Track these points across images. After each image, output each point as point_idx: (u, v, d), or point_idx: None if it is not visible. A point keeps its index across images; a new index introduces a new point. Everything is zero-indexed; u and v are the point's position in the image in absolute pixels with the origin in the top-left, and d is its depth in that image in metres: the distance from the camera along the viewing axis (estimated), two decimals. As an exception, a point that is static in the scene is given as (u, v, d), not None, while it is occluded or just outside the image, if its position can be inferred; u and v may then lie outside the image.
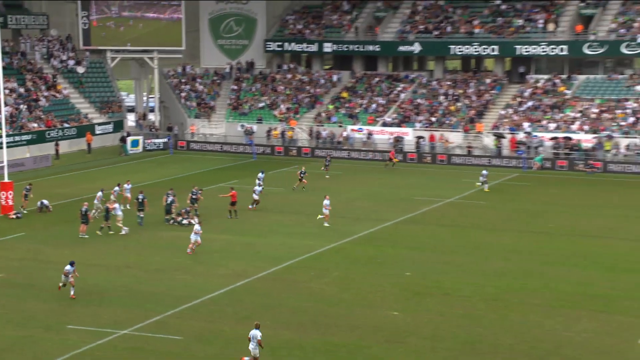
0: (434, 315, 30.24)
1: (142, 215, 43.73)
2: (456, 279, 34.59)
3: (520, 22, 74.98)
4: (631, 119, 65.38)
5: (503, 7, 77.44)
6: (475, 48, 74.53)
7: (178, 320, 29.77)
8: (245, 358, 25.16)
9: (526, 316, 30.01)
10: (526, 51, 72.67)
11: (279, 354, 26.65)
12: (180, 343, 27.57)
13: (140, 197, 43.95)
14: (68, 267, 31.75)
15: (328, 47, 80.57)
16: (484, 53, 75.13)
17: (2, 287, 33.26)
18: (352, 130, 71.95)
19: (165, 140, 73.67)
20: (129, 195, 48.01)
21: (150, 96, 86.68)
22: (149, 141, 73.40)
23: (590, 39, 70.57)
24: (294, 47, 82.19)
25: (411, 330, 28.67)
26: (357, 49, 79.79)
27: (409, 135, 69.93)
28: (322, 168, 59.84)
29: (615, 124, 65.37)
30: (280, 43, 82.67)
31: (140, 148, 72.14)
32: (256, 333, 25.06)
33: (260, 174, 52.18)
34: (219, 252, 39.07)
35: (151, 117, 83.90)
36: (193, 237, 38.10)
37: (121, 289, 33.34)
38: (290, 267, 36.78)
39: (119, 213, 42.51)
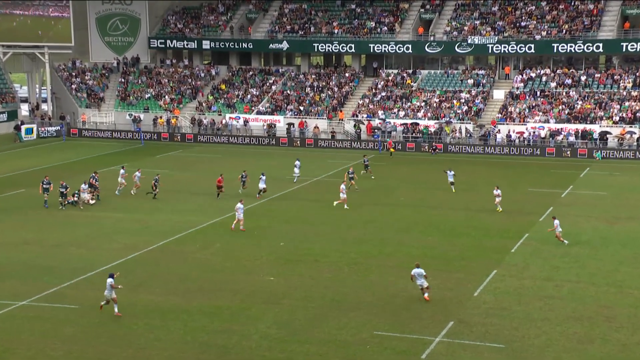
0: (305, 279, 30.50)
1: (46, 198, 41.63)
2: (324, 247, 35.00)
3: (372, 24, 76.32)
4: (465, 107, 68.03)
5: (357, 10, 78.54)
6: (335, 46, 75.26)
7: (74, 290, 28.70)
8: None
9: (383, 277, 30.76)
10: (378, 49, 74.02)
11: (167, 317, 26.17)
12: (76, 311, 26.58)
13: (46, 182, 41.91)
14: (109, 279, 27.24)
15: (207, 44, 79.21)
16: (343, 50, 75.95)
17: None
18: (230, 118, 71.27)
19: (58, 128, 70.53)
20: (138, 182, 44.89)
21: (43, 88, 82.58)
22: (43, 129, 70.04)
23: (430, 39, 72.75)
24: (176, 44, 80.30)
25: (285, 293, 28.80)
26: (232, 46, 78.88)
27: (281, 122, 69.97)
28: (362, 172, 51.77)
29: (453, 111, 67.84)
30: (162, 40, 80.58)
31: (34, 135, 68.75)
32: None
33: (297, 162, 49.99)
34: (111, 228, 37.86)
35: (44, 107, 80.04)
36: (237, 214, 37.00)
37: (19, 264, 31.77)
38: (178, 240, 36.13)
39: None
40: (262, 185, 44.31)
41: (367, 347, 23.90)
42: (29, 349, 23.29)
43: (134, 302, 27.52)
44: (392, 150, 62.50)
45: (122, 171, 45.79)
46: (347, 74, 75.92)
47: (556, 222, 34.92)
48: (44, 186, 41.81)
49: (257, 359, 23.05)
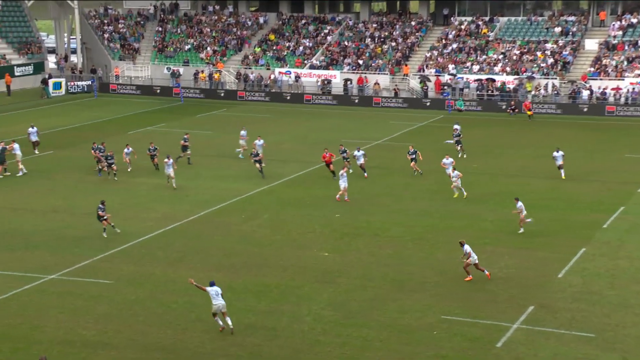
0: (363, 256, 30.60)
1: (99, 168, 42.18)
2: (384, 219, 34.98)
3: (445, -36, 75.06)
4: (550, 60, 66.58)
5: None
6: (401, -10, 74.41)
7: (108, 264, 29.41)
8: None
9: (451, 254, 30.60)
10: (450, -7, 72.99)
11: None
12: (110, 286, 27.26)
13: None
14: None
15: (254, -12, 79.27)
16: (410, -5, 75.13)
17: None
18: (280, 73, 71.36)
19: (89, 82, 71.77)
20: (127, 158, 43.66)
21: (72, 37, 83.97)
22: (72, 83, 71.38)
23: (511, -20, 71.35)
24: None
25: (341, 270, 28.97)
26: (283, -9, 78.73)
27: (337, 78, 69.76)
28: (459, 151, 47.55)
29: (536, 65, 66.50)
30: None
31: (63, 91, 70.14)
32: None
33: (242, 131, 47.89)
34: (148, 196, 38.55)
35: (73, 58, 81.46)
36: (342, 184, 37.27)
37: (48, 233, 32.67)
38: (221, 210, 36.60)
39: (18, 153, 42.24)
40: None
41: (434, 333, 23.93)
42: (58, 327, 24.03)
43: (174, 278, 28.09)
44: (529, 113, 60.23)
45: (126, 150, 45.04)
46: (413, 23, 75.03)
47: (519, 204, 33.07)
48: (150, 153, 42.48)
49: (310, 343, 23.32)
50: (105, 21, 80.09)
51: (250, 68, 73.03)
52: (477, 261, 27.90)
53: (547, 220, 34.86)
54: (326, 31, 75.97)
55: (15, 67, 71.32)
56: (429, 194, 39.15)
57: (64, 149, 48.37)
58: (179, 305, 25.80)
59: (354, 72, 69.94)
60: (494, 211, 36.41)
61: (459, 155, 46.02)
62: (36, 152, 45.91)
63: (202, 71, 72.99)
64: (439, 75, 67.41)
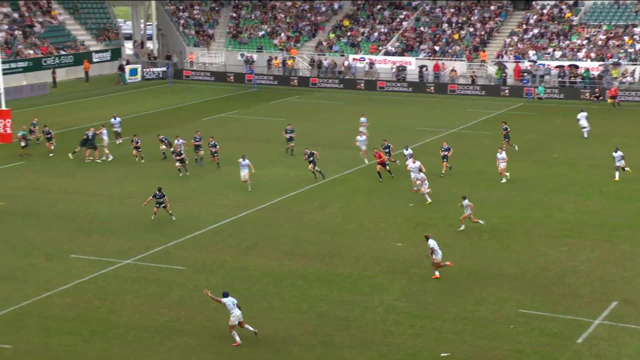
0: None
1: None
2: (461, 210, 34.56)
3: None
4: (639, 46, 64.59)
5: None
6: (480, -26, 73.23)
7: (181, 250, 29.90)
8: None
9: (530, 246, 30.13)
10: (532, -24, 71.46)
11: (282, 284, 26.83)
12: (183, 273, 27.72)
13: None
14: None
15: (329, -27, 79.14)
16: (489, -21, 73.81)
17: (2, 216, 33.27)
18: (354, 59, 71.17)
19: (164, 69, 72.96)
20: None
21: (148, 23, 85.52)
22: (148, 70, 72.71)
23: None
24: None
25: (415, 261, 28.80)
26: (359, -25, 78.38)
27: (412, 64, 69.21)
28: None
29: (623, 51, 64.61)
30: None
31: (139, 77, 71.53)
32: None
33: (362, 118, 47.83)
34: (221, 183, 39.00)
35: (149, 45, 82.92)
36: (415, 175, 36.65)
37: (123, 219, 33.40)
38: (293, 197, 36.79)
39: (105, 138, 43.32)
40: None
41: (511, 327, 23.59)
42: (134, 312, 24.57)
43: (245, 266, 28.40)
44: (610, 101, 58.60)
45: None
46: (492, 7, 73.78)
47: (465, 202, 31.99)
48: (195, 143, 41.74)
49: (382, 334, 23.28)
50: (181, 7, 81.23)
51: (323, 54, 73.04)
52: (440, 258, 27.21)
53: (631, 212, 33.94)
54: (402, 16, 75.39)
55: (93, 53, 73.05)
56: (506, 184, 38.52)
57: (139, 135, 49.27)
58: (251, 293, 26.06)
59: (429, 59, 69.28)
60: (575, 202, 35.65)
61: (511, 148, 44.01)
62: (119, 141, 46.47)
63: (276, 58, 73.37)
64: (519, 62, 66.17)
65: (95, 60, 72.71)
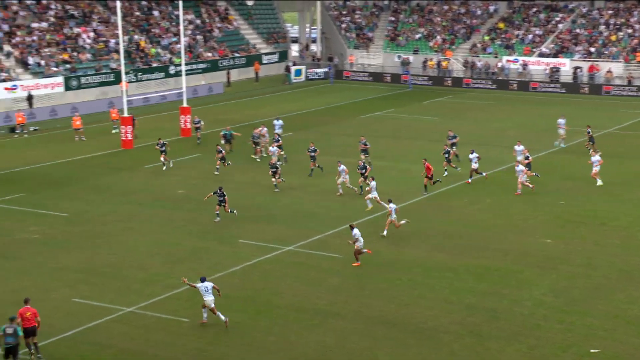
0: (588, 244, 29.17)
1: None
2: (612, 208, 33.10)
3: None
4: None
5: None
6: (639, -25, 69.47)
7: (338, 239, 30.29)
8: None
9: (684, 249, 28.39)
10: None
11: (431, 275, 26.68)
12: (339, 260, 28.11)
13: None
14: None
15: (485, -22, 77.59)
16: (650, -20, 69.92)
17: (183, 202, 34.93)
18: (508, 60, 69.45)
19: (326, 70, 74.08)
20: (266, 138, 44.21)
21: (313, 27, 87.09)
22: (311, 71, 74.07)
23: None
24: (451, -22, 79.72)
25: (564, 258, 27.83)
26: (514, -21, 76.31)
27: (566, 65, 66.68)
28: None
29: None
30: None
31: (303, 77, 73.02)
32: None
33: (560, 120, 45.30)
34: (384, 177, 38.99)
35: (313, 47, 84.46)
36: (521, 176, 35.78)
37: (285, 208, 34.24)
38: (445, 193, 36.43)
39: (266, 137, 43.51)
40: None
41: (662, 328, 22.36)
42: (294, 295, 25.19)
43: (397, 257, 28.44)
44: None
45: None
46: (650, 8, 69.87)
47: (392, 206, 30.18)
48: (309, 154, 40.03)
49: (530, 327, 22.68)
50: (344, 12, 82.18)
51: (477, 56, 71.73)
52: (361, 246, 26.81)
53: None
54: (557, 19, 72.76)
55: (263, 55, 75.28)
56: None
57: (302, 131, 50.36)
58: (402, 282, 26.08)
59: (584, 60, 66.48)
60: None
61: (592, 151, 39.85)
62: (279, 142, 45.99)
63: (431, 59, 72.81)
64: (677, 63, 62.30)
65: (264, 61, 74.89)
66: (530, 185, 35.54)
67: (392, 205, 30.40)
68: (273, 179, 36.52)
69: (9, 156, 43.83)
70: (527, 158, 37.81)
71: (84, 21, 65.21)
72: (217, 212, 32.13)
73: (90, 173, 40.04)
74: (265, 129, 44.36)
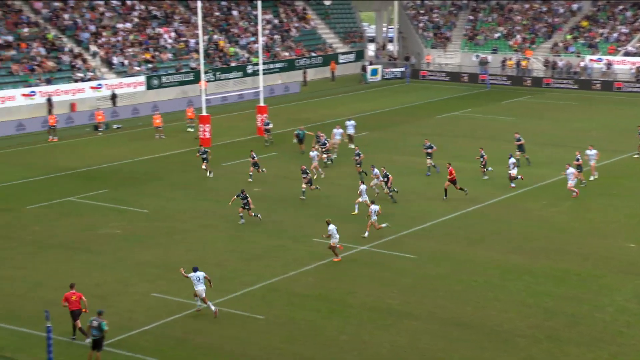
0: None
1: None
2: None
3: None
4: None
5: None
6: None
7: (412, 239, 30.16)
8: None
9: None
10: None
11: (508, 277, 26.28)
12: (413, 261, 27.97)
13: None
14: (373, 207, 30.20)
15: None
16: None
17: (259, 201, 35.28)
18: (591, 60, 67.67)
19: (403, 69, 73.72)
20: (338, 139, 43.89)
21: (390, 27, 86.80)
22: (388, 70, 73.83)
23: None
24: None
25: (648, 263, 27.02)
26: (599, -24, 74.34)
27: (652, 64, 64.60)
28: None
29: None
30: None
31: (379, 77, 72.85)
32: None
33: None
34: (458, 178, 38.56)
35: (390, 47, 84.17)
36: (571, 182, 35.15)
37: (360, 207, 34.17)
38: (522, 195, 35.81)
39: (337, 138, 42.93)
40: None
41: None
42: (368, 294, 25.18)
43: (472, 258, 28.11)
44: None
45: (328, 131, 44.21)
46: None
47: (373, 207, 29.74)
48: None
49: (612, 333, 22.09)
50: (421, 11, 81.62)
51: (559, 55, 70.14)
52: (336, 242, 27.26)
53: None
54: (644, 16, 70.55)
55: (339, 55, 75.44)
56: None
57: (377, 130, 50.26)
58: (478, 284, 25.78)
59: (671, 59, 64.25)
60: None
61: None
62: (351, 145, 44.51)
63: (510, 59, 71.57)
64: None
65: (341, 61, 75.01)
66: (575, 191, 34.45)
67: (374, 207, 30.21)
68: (304, 185, 35.45)
69: (93, 153, 45.20)
70: (577, 160, 36.79)
71: (165, 22, 66.69)
72: (241, 214, 32.02)
73: (169, 170, 40.94)
74: (341, 130, 44.16)
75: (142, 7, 66.91)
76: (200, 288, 23.40)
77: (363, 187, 33.00)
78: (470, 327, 22.61)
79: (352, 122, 45.77)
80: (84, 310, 21.89)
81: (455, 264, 27.66)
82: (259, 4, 49.84)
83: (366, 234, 30.27)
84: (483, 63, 72.51)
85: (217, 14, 71.22)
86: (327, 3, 79.43)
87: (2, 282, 25.72)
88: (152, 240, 30.28)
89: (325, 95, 65.12)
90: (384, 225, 30.43)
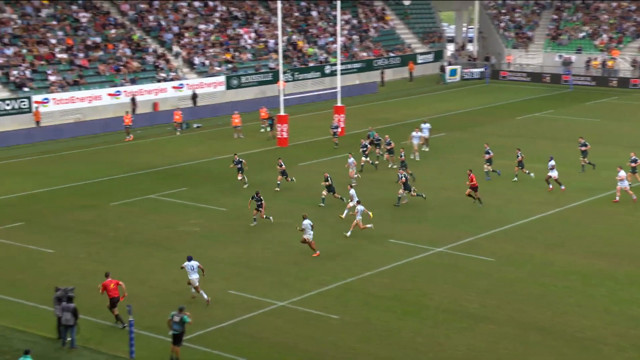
0: None
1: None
2: None
3: None
4: None
5: None
6: None
7: (490, 242, 29.73)
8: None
9: None
10: None
11: (590, 282, 25.60)
12: (491, 264, 27.55)
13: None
14: None
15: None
16: None
17: (334, 201, 35.30)
18: (680, 59, 65.32)
19: (482, 69, 72.70)
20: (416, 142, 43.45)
21: (470, 27, 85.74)
22: (467, 70, 72.94)
23: None
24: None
25: None
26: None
27: None
28: None
29: None
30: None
31: (457, 77, 72.05)
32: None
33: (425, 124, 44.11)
34: (534, 181, 37.88)
35: (469, 47, 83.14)
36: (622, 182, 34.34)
37: (437, 209, 33.94)
38: (603, 199, 34.83)
39: (415, 142, 42.44)
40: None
41: None
42: (444, 296, 24.93)
43: (552, 262, 27.51)
44: None
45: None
46: None
47: (359, 208, 29.67)
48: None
49: (696, 345, 21.28)
50: (503, 11, 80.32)
51: (646, 55, 67.96)
52: (310, 237, 27.63)
53: None
54: None
55: (418, 55, 74.95)
56: None
57: (456, 131, 49.73)
58: (558, 288, 25.20)
59: None
60: None
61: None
62: (426, 148, 44.43)
63: (595, 59, 69.70)
64: None
65: (419, 61, 74.52)
66: (633, 194, 33.33)
67: (360, 207, 30.15)
68: (324, 192, 34.41)
69: (173, 152, 46.14)
70: (634, 162, 35.51)
71: (246, 22, 67.59)
72: (255, 216, 31.98)
73: (247, 170, 41.36)
74: (420, 133, 43.38)
75: (224, 8, 67.98)
76: (194, 277, 24.30)
77: (353, 191, 32.41)
78: (550, 333, 22.12)
79: (428, 125, 45.20)
80: (121, 298, 22.83)
81: (534, 267, 27.12)
82: (338, 4, 49.96)
83: (349, 234, 30.30)
84: (566, 63, 70.84)
85: (296, 14, 71.75)
86: (407, 3, 79.01)
87: (87, 277, 26.53)
88: (229, 239, 30.72)
89: (403, 95, 64.80)
90: (368, 225, 30.41)
